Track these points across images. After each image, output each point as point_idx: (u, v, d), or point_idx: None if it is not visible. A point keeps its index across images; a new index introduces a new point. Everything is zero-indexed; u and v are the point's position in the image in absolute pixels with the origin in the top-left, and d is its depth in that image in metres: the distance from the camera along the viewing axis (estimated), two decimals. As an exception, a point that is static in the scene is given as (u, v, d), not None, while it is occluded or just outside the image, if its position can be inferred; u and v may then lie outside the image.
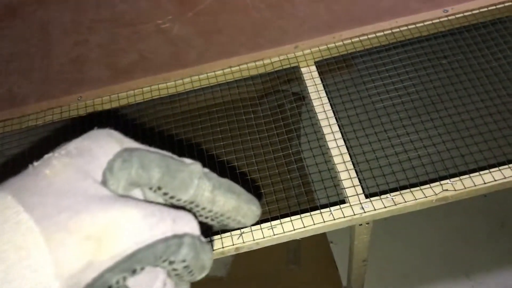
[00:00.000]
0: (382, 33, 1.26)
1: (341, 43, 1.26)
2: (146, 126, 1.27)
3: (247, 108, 1.23)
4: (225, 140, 1.17)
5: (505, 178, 1.00)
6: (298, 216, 1.01)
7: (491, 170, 1.00)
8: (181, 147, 1.20)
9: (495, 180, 0.99)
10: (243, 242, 0.99)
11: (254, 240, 0.99)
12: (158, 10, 1.42)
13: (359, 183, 1.04)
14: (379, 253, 1.84)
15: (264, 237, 0.99)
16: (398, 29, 1.26)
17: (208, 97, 1.25)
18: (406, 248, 1.87)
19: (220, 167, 1.13)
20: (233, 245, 0.99)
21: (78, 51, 1.38)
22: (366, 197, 1.02)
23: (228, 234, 1.01)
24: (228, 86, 1.27)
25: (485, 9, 1.26)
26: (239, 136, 1.17)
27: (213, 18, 1.38)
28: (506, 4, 1.26)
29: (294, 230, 1.00)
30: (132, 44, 1.36)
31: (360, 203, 1.01)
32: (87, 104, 1.26)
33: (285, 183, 1.10)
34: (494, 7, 1.26)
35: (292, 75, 1.30)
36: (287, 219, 1.01)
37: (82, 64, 1.34)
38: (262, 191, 1.11)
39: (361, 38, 1.26)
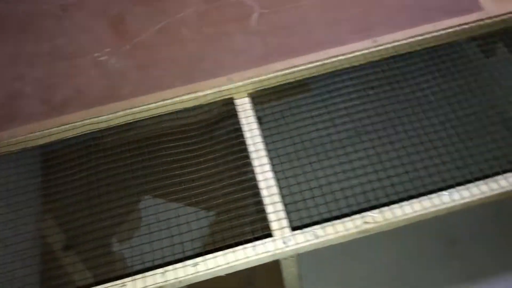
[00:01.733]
0: (313, 64, 1.28)
1: (273, 74, 1.28)
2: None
3: (180, 140, 1.23)
4: (160, 174, 1.17)
5: (424, 209, 1.01)
6: (221, 252, 1.01)
7: (412, 201, 1.02)
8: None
9: (415, 211, 1.01)
10: (166, 281, 0.99)
11: (177, 278, 0.99)
12: (97, 42, 1.43)
13: (285, 216, 1.05)
14: (329, 278, 1.84)
15: (187, 275, 0.99)
16: (328, 60, 1.28)
17: (143, 130, 1.26)
18: (356, 272, 1.87)
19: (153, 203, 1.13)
20: (155, 283, 0.99)
21: (15, 86, 1.37)
22: (293, 229, 1.03)
23: (151, 272, 1.00)
24: (165, 118, 1.27)
25: (412, 39, 1.29)
26: (168, 171, 1.18)
27: (150, 51, 1.39)
28: (434, 34, 1.30)
29: (218, 267, 0.99)
30: (69, 78, 1.36)
31: (282, 238, 1.01)
32: (18, 140, 1.25)
33: (212, 218, 1.11)
34: (420, 37, 1.29)
35: (227, 106, 1.31)
36: (211, 255, 1.01)
37: (17, 99, 1.33)
38: (188, 222, 1.11)
39: (293, 69, 1.28)
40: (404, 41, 1.29)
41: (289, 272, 1.11)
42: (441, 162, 1.06)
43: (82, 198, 1.23)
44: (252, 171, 1.13)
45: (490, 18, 1.31)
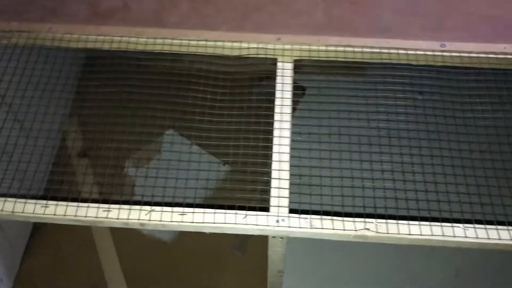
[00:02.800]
0: (369, 50, 1.19)
1: (324, 47, 1.20)
2: (109, 77, 1.23)
3: (213, 87, 1.18)
4: (186, 114, 1.13)
5: (432, 235, 0.94)
6: (212, 210, 0.97)
7: (422, 222, 0.95)
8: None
9: (421, 234, 0.94)
10: (149, 220, 0.97)
11: (160, 221, 0.97)
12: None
13: (287, 196, 1.00)
14: (315, 273, 1.79)
15: (171, 221, 0.96)
16: (386, 50, 1.19)
17: (176, 65, 1.21)
18: (345, 276, 1.81)
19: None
20: (138, 219, 0.97)
21: (66, -19, 1.34)
22: (291, 212, 0.98)
23: (137, 207, 0.98)
24: (202, 59, 1.22)
25: (483, 55, 1.18)
26: (197, 114, 1.14)
27: (208, -14, 1.33)
28: (509, 56, 1.18)
29: (203, 223, 0.96)
30: (121, -11, 1.32)
31: (278, 216, 0.97)
32: (55, 37, 1.23)
33: (222, 172, 1.07)
34: (493, 56, 1.17)
35: (268, 66, 1.24)
36: (200, 209, 0.98)
37: (65, -5, 1.30)
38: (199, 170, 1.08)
39: (346, 48, 1.19)
40: (474, 55, 1.18)
41: (274, 252, 1.07)
42: (467, 193, 0.98)
43: (110, 113, 1.20)
44: (270, 140, 1.08)
45: None
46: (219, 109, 1.15)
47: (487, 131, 1.06)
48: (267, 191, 1.02)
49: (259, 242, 1.90)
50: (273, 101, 1.14)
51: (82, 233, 1.86)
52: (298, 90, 1.71)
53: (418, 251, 1.83)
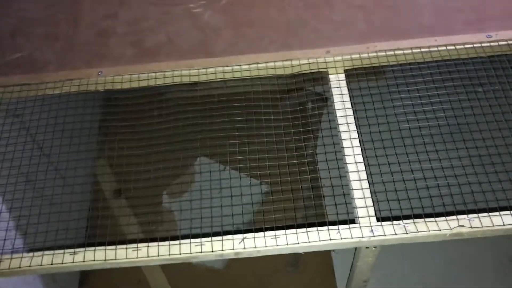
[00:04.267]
0: (419, 50, 1.20)
1: (374, 54, 1.21)
2: (163, 111, 1.24)
3: (268, 108, 1.19)
4: (240, 138, 1.14)
5: (525, 222, 0.95)
6: (304, 230, 0.97)
7: (512, 212, 0.96)
8: (194, 139, 1.18)
9: (515, 223, 0.95)
10: (244, 248, 0.96)
11: (255, 247, 0.96)
12: (192, -7, 1.39)
13: (372, 205, 1.00)
14: (381, 274, 1.80)
15: (266, 246, 0.96)
16: (436, 48, 1.20)
17: (230, 91, 1.22)
18: (410, 275, 1.82)
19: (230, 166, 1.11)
20: (233, 249, 0.97)
21: (105, 24, 1.35)
22: (378, 220, 0.98)
23: (230, 237, 0.98)
24: (252, 83, 1.23)
25: (531, 40, 1.20)
26: (255, 137, 1.14)
27: (246, 9, 1.34)
28: (554, 38, 1.20)
29: (298, 243, 0.96)
30: (161, 24, 1.33)
31: (371, 226, 0.97)
32: (106, 80, 1.23)
33: (295, 193, 1.07)
34: (540, 39, 1.19)
35: (319, 80, 1.25)
36: (292, 231, 0.98)
37: (108, 38, 1.31)
38: (271, 197, 1.08)
39: (396, 52, 1.21)
40: (522, 41, 1.20)
41: (364, 262, 1.07)
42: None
43: (140, 147, 1.21)
44: (341, 151, 1.08)
45: None
46: (269, 129, 1.15)
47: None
48: (347, 204, 1.03)
49: (310, 257, 1.90)
50: (327, 113, 1.15)
51: (133, 272, 1.84)
52: (321, 101, 1.73)
53: (471, 241, 1.84)
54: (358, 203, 1.01)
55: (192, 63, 1.24)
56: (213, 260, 1.79)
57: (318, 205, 1.08)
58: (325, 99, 1.91)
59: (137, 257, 0.97)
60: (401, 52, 1.21)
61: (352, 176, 1.04)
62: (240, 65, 1.23)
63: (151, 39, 1.30)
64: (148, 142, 1.21)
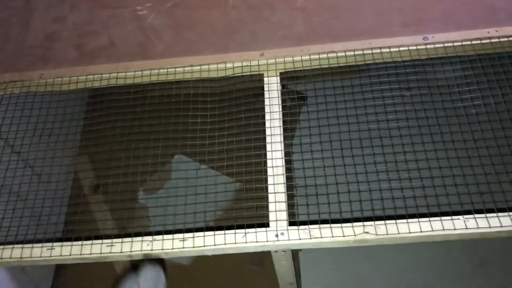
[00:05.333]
0: (352, 53, 1.19)
1: (307, 57, 1.21)
2: (103, 113, 1.26)
3: (202, 110, 1.20)
4: (190, 139, 1.16)
5: (433, 230, 0.93)
6: (211, 233, 0.98)
7: (421, 219, 0.94)
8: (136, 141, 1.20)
9: (421, 232, 0.93)
10: (151, 250, 0.98)
11: (162, 249, 0.98)
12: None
13: (285, 209, 1.00)
14: (334, 278, 1.78)
15: (173, 248, 0.98)
16: (370, 51, 1.19)
17: (163, 93, 1.23)
18: (374, 277, 1.80)
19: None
20: (141, 250, 0.98)
21: (54, 28, 1.38)
22: (290, 224, 0.98)
23: (139, 238, 1.00)
24: (190, 85, 1.24)
25: (469, 42, 1.17)
26: (199, 138, 1.15)
27: (190, 12, 1.35)
28: (493, 41, 1.17)
29: (204, 246, 0.97)
30: (106, 27, 1.35)
31: (277, 230, 0.97)
32: (47, 82, 1.27)
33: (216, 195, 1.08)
34: (477, 42, 1.16)
35: (256, 82, 1.25)
36: (200, 233, 0.99)
37: (54, 41, 1.34)
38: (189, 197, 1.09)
39: (329, 55, 1.20)
40: (458, 43, 1.17)
41: (280, 265, 1.07)
42: (464, 184, 0.97)
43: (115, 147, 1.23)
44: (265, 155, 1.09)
45: None
46: (215, 131, 1.16)
47: (478, 118, 1.05)
48: (266, 207, 1.03)
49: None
50: (262, 117, 1.15)
51: (105, 267, 1.88)
52: (299, 100, 1.72)
53: (438, 244, 1.81)
54: (271, 206, 1.01)
55: (129, 66, 1.26)
56: (180, 256, 1.82)
57: (239, 208, 1.08)
58: (305, 98, 1.90)
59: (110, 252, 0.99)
60: (333, 55, 1.20)
61: (270, 179, 1.04)
62: (175, 68, 1.24)
63: (94, 42, 1.32)
64: (128, 137, 1.23)
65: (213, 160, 1.14)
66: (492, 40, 1.16)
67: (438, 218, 0.94)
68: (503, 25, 1.18)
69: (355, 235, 0.94)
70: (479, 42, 1.16)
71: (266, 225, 1.00)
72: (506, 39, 1.16)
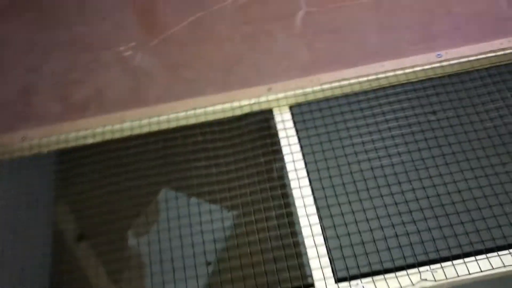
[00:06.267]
0: (365, 78, 1.12)
1: (319, 87, 1.12)
2: (98, 169, 1.13)
3: (211, 159, 1.09)
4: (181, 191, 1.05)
5: (492, 268, 0.87)
6: (255, 302, 0.88)
7: (478, 257, 0.88)
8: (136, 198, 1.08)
9: (481, 271, 0.87)
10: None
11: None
12: (121, 34, 1.28)
13: (329, 264, 0.91)
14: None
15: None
16: (383, 75, 1.12)
17: (167, 144, 1.11)
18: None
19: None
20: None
21: (28, 80, 1.23)
22: (336, 281, 0.90)
23: None
24: (194, 132, 1.13)
25: (483, 56, 1.12)
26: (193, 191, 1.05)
27: (179, 48, 1.24)
28: (507, 52, 1.12)
29: (249, 318, 0.87)
30: (89, 74, 1.22)
31: (327, 290, 0.88)
32: (32, 144, 1.12)
33: (243, 259, 0.98)
34: (493, 54, 1.12)
35: (264, 122, 1.16)
36: (242, 305, 0.88)
37: (32, 95, 1.20)
38: (218, 269, 0.99)
39: (341, 83, 1.12)
40: (474, 58, 1.12)
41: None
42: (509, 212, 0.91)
43: (99, 193, 1.11)
44: (292, 205, 0.99)
45: None
46: (233, 180, 1.06)
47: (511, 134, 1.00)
48: (299, 267, 0.94)
49: None
50: (277, 159, 1.06)
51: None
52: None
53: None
54: (313, 264, 0.92)
55: (124, 116, 1.14)
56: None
57: (271, 271, 0.98)
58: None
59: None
60: (346, 82, 1.12)
61: (306, 231, 0.95)
62: (176, 113, 1.13)
63: (78, 92, 1.19)
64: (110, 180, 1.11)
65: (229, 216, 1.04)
66: (506, 52, 1.12)
67: (495, 254, 0.88)
68: (514, 34, 1.15)
69: (413, 285, 0.87)
70: (493, 54, 1.12)
71: (310, 286, 0.90)
72: (520, 48, 1.12)
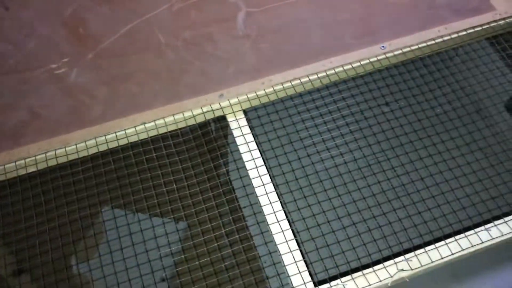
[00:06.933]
0: (315, 76, 1.11)
1: (271, 89, 1.10)
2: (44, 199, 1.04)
3: (168, 174, 1.04)
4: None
5: (462, 250, 0.90)
6: (237, 318, 0.85)
7: (447, 241, 0.90)
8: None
9: (452, 254, 0.89)
10: None
11: None
12: (51, 51, 1.18)
13: (306, 268, 0.90)
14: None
15: None
16: (333, 71, 1.12)
17: (119, 165, 1.04)
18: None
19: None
20: None
21: (-51, 108, 1.10)
22: (315, 285, 0.88)
23: None
24: (143, 148, 1.06)
25: (424, 44, 1.15)
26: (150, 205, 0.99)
27: (118, 60, 1.16)
28: (445, 38, 1.17)
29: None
30: (20, 97, 1.11)
31: (307, 295, 0.86)
32: (-37, 182, 1.00)
33: (218, 274, 0.93)
34: (433, 42, 1.15)
35: (220, 130, 1.12)
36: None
37: (-45, 125, 1.08)
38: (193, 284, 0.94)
39: (293, 82, 1.11)
40: (415, 46, 1.15)
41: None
42: (475, 192, 0.94)
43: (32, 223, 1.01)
44: (261, 212, 0.96)
45: (504, 18, 1.19)
46: (180, 190, 1.01)
47: (462, 120, 1.04)
48: (278, 275, 0.92)
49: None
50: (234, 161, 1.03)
51: None
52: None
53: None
54: (290, 270, 0.90)
55: (67, 139, 1.05)
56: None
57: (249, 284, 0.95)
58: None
59: None
60: (298, 81, 1.11)
61: (278, 238, 0.93)
62: (124, 130, 1.06)
63: (11, 118, 1.08)
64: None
65: (195, 224, 1.00)
66: (445, 38, 1.16)
67: (462, 235, 0.91)
68: (449, 22, 1.19)
69: (391, 276, 0.87)
70: (433, 42, 1.16)
71: (288, 290, 0.89)
72: (456, 35, 1.17)
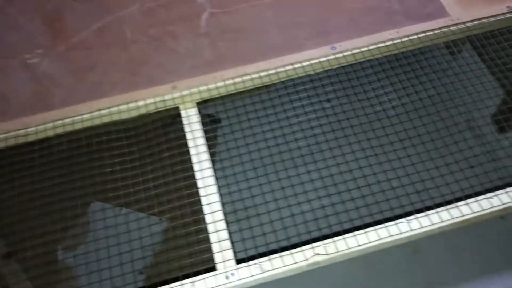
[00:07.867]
0: (265, 73, 1.17)
1: (222, 83, 1.16)
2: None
3: (119, 152, 1.11)
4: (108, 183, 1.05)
5: (381, 239, 0.93)
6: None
7: (366, 230, 0.93)
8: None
9: (370, 242, 0.92)
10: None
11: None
12: (28, 43, 1.28)
13: (230, 247, 0.94)
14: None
15: (115, 316, 0.88)
16: (282, 69, 1.17)
17: (73, 146, 1.12)
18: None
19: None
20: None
21: None
22: (238, 262, 0.92)
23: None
24: (100, 131, 1.14)
25: (374, 46, 1.20)
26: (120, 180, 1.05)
27: (87, 53, 1.25)
28: (395, 42, 1.20)
29: (151, 305, 0.88)
30: (-7, 82, 1.21)
31: (225, 272, 0.91)
32: None
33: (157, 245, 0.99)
34: (382, 44, 1.20)
35: (172, 117, 1.19)
36: (144, 293, 0.90)
37: None
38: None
39: (244, 78, 1.17)
40: (365, 48, 1.19)
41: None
42: (401, 186, 0.97)
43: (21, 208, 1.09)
44: (197, 193, 1.02)
45: (456, 24, 1.22)
46: (137, 176, 1.07)
47: (400, 118, 1.07)
48: (207, 250, 0.96)
49: None
50: (185, 153, 1.08)
51: None
52: (213, 123, 1.66)
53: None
54: (215, 247, 0.94)
55: (29, 121, 1.13)
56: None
57: (183, 256, 1.00)
58: (218, 120, 1.85)
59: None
60: (248, 77, 1.17)
61: (208, 218, 0.98)
62: (81, 115, 1.14)
63: (-19, 100, 1.18)
64: (40, 198, 1.08)
65: (142, 208, 1.06)
66: (395, 41, 1.20)
67: (382, 226, 0.94)
68: (401, 26, 1.23)
69: (306, 259, 0.91)
70: (383, 44, 1.20)
71: (213, 268, 0.93)
72: (406, 38, 1.21)
